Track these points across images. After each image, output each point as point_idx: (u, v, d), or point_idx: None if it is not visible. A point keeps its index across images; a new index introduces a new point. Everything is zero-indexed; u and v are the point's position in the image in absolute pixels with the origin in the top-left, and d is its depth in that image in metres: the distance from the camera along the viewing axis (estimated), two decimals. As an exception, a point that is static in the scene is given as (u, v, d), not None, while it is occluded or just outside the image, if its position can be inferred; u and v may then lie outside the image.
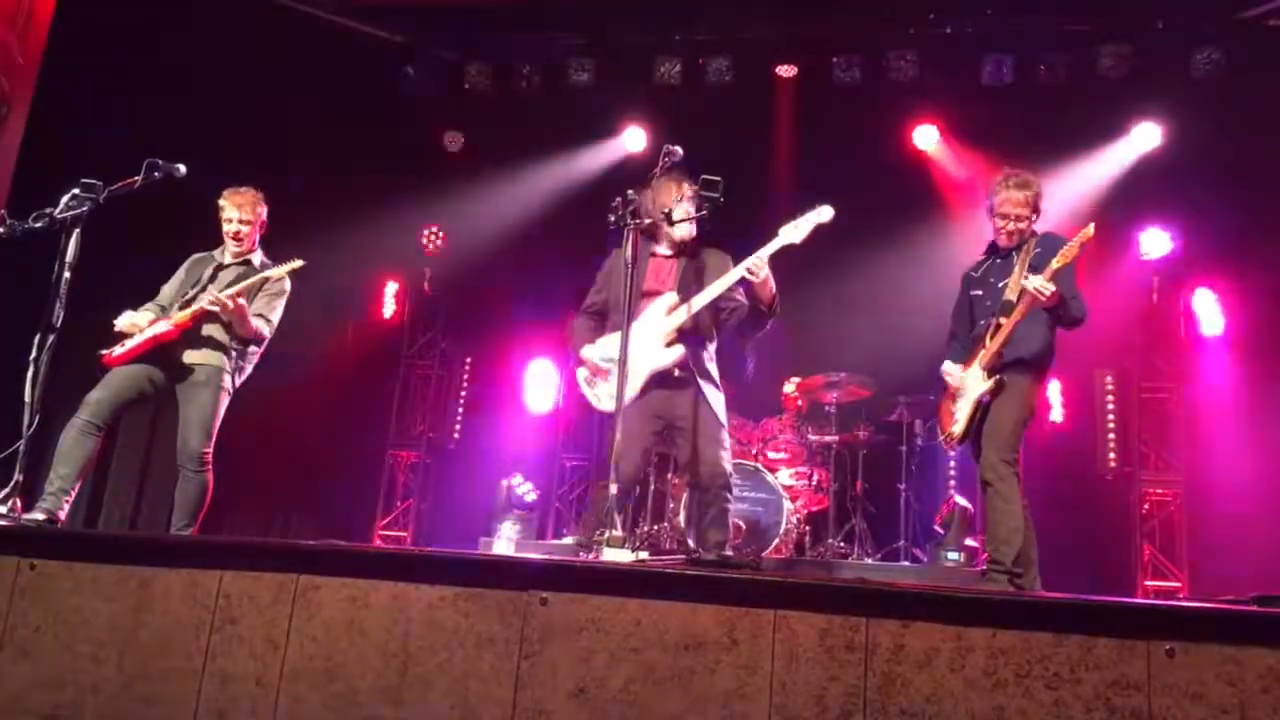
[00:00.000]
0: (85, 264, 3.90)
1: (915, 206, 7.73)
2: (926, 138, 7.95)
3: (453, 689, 2.66)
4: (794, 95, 7.92)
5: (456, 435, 8.71)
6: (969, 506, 6.47)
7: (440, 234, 8.68)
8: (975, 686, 2.41)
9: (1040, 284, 3.93)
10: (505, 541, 6.97)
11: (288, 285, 4.71)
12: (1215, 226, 7.14)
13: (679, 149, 3.91)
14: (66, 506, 4.23)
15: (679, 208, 4.11)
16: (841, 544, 6.79)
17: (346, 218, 7.53)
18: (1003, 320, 4.11)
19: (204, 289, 4.54)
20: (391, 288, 8.89)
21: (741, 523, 6.29)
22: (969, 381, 4.20)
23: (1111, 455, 7.38)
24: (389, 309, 8.88)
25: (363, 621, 2.78)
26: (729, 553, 4.18)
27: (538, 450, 8.56)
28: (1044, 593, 3.88)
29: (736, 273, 4.07)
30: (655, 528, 6.76)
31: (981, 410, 4.14)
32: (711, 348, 4.27)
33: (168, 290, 4.69)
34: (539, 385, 8.77)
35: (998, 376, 4.08)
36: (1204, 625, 2.42)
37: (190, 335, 4.47)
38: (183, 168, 4.16)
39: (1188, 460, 7.14)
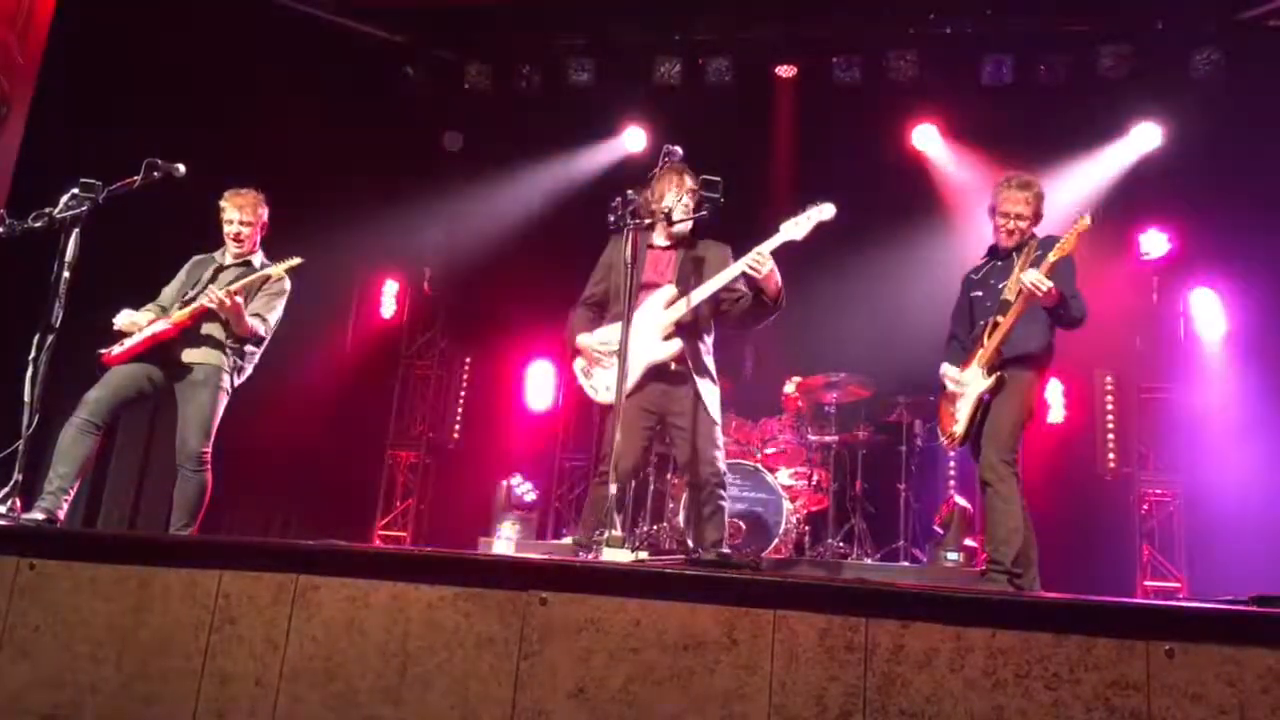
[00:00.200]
0: (85, 264, 3.90)
1: (915, 207, 7.72)
2: (926, 138, 7.95)
3: (452, 689, 2.66)
4: (794, 95, 7.93)
5: (456, 435, 8.72)
6: (968, 506, 6.46)
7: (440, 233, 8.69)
8: (975, 687, 2.41)
9: (1037, 278, 3.92)
10: (505, 541, 6.97)
11: (287, 285, 4.70)
12: (1215, 226, 7.14)
13: (679, 149, 3.92)
14: (65, 505, 4.23)
15: (678, 207, 4.10)
16: (841, 544, 6.79)
17: (346, 218, 7.53)
18: (1000, 319, 4.12)
19: (204, 290, 4.54)
20: (391, 288, 8.89)
21: (741, 523, 6.29)
22: (969, 381, 4.20)
23: (1111, 455, 7.38)
24: (389, 309, 8.88)
25: (362, 621, 2.78)
26: (728, 552, 4.17)
27: (538, 450, 8.57)
28: (1043, 593, 3.88)
29: (737, 268, 4.05)
30: (655, 528, 6.77)
31: (982, 409, 4.14)
32: (709, 340, 4.25)
33: (168, 291, 4.69)
34: (539, 385, 8.77)
35: (998, 374, 4.08)
36: (1203, 625, 2.42)
37: (189, 334, 4.47)
38: (183, 168, 4.16)
39: (1187, 460, 7.14)
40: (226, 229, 4.68)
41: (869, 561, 6.53)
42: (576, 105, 8.09)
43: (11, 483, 3.69)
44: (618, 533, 3.41)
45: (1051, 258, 3.95)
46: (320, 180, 7.30)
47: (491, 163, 8.34)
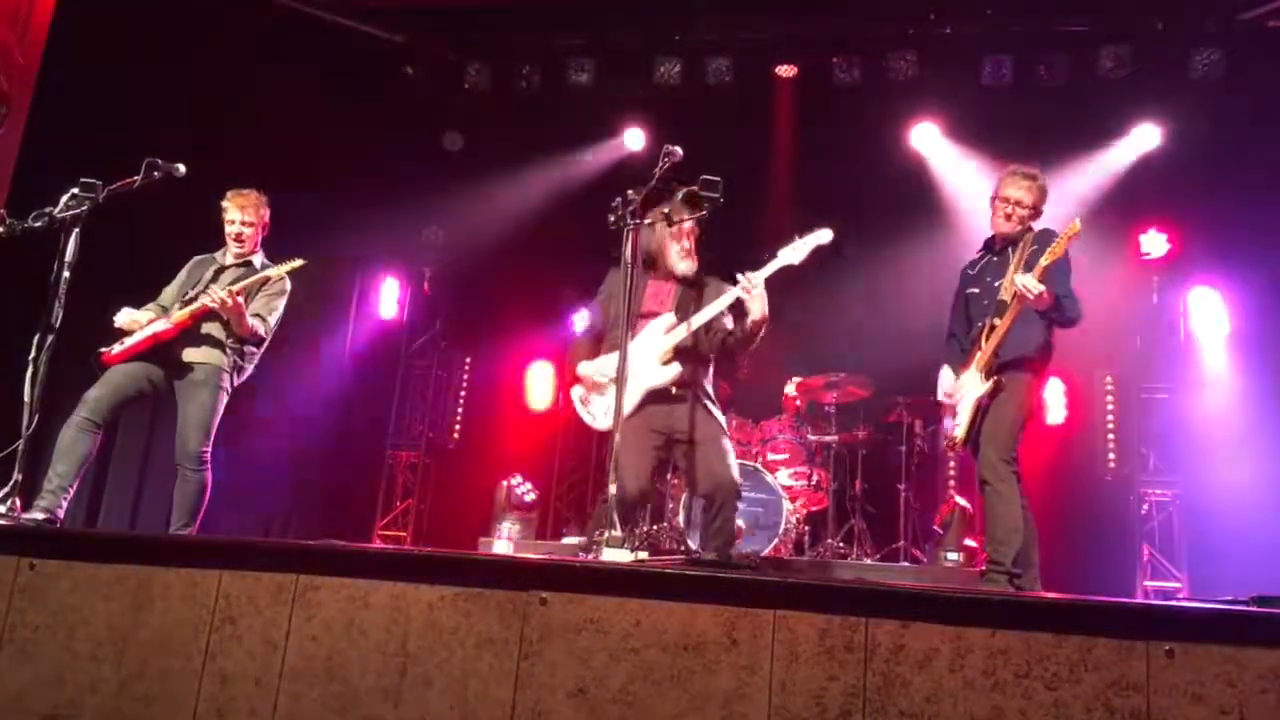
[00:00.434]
0: (85, 264, 3.90)
1: (915, 207, 7.72)
2: (926, 138, 7.95)
3: (452, 689, 2.66)
4: (794, 95, 7.93)
5: (456, 435, 8.72)
6: (968, 507, 6.46)
7: (440, 232, 8.68)
8: (974, 687, 2.41)
9: (1029, 282, 3.91)
10: (505, 541, 6.97)
11: (288, 285, 4.70)
12: (1215, 226, 7.13)
13: (679, 149, 3.90)
14: (65, 504, 4.23)
15: (683, 263, 4.22)
16: (841, 544, 6.79)
17: (347, 218, 7.53)
18: (996, 322, 4.11)
19: (205, 289, 4.54)
20: (391, 288, 8.89)
21: (741, 523, 6.28)
22: (967, 385, 4.20)
23: (1111, 456, 7.38)
24: (389, 309, 8.88)
25: (362, 621, 2.78)
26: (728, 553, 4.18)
27: (538, 450, 8.56)
28: (1043, 593, 3.88)
29: (734, 293, 4.08)
30: (655, 528, 6.76)
31: (981, 412, 4.14)
32: (710, 369, 4.28)
33: (169, 291, 4.70)
34: (539, 385, 8.77)
35: (995, 378, 4.08)
36: (1203, 625, 2.42)
37: (189, 334, 4.48)
38: (182, 168, 4.16)
39: (1187, 461, 7.13)
40: (228, 229, 4.68)
41: (869, 561, 6.53)
42: (576, 105, 8.08)
43: (11, 482, 3.69)
44: (617, 533, 3.40)
45: (1044, 262, 3.95)
46: (320, 180, 7.31)
47: (491, 163, 8.33)
